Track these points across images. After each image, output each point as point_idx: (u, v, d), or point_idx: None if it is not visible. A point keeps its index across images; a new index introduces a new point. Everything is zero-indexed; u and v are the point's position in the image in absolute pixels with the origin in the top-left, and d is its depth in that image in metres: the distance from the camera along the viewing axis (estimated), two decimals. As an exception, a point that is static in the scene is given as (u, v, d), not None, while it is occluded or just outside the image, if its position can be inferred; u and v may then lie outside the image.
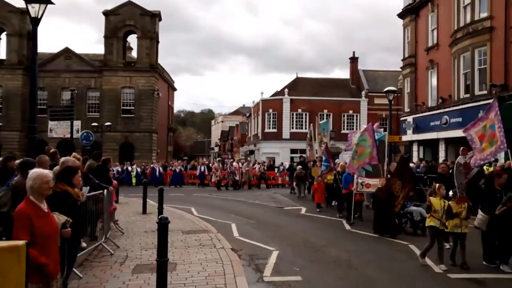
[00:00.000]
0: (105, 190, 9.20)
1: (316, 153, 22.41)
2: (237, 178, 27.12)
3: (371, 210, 14.05)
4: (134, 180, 29.62)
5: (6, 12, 41.99)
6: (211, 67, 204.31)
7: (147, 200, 15.17)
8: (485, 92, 20.88)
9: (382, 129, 20.10)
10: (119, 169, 29.50)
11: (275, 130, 44.56)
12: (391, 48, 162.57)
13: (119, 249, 9.14)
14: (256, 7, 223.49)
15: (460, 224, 8.34)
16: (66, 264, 5.53)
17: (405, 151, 30.65)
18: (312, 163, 21.70)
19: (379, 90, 39.01)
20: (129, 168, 30.48)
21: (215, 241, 10.07)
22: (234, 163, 28.20)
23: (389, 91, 21.75)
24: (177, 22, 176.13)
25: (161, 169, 30.01)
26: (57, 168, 6.73)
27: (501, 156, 16.00)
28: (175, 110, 74.82)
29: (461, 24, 22.65)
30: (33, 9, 9.10)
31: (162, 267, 5.77)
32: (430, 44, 26.59)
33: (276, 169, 31.38)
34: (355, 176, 13.79)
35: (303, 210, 16.89)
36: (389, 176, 12.94)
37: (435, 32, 26.21)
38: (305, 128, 43.57)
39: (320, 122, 24.31)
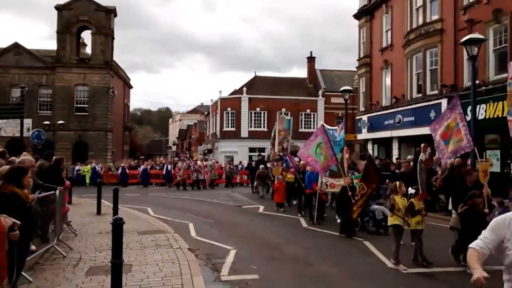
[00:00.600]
0: (57, 191, 8.89)
1: (277, 151, 22.23)
2: (201, 177, 26.92)
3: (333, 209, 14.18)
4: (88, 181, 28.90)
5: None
6: (168, 65, 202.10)
7: (102, 200, 14.81)
8: (436, 92, 21.65)
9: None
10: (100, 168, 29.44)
11: (233, 129, 44.56)
12: (347, 48, 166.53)
13: (72, 251, 8.86)
14: (214, 4, 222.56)
15: (422, 220, 8.44)
16: (14, 268, 5.30)
17: (360, 149, 31.40)
18: (274, 162, 21.54)
19: (335, 89, 39.69)
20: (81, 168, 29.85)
21: (171, 241, 9.94)
22: (199, 162, 27.93)
23: (345, 91, 22.14)
24: (133, 19, 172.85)
25: (126, 169, 29.62)
26: (5, 167, 6.43)
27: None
28: (131, 109, 73.43)
29: (414, 25, 23.38)
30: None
31: (116, 268, 5.65)
32: (384, 45, 27.29)
33: (234, 168, 31.36)
34: (320, 175, 13.58)
35: (261, 208, 16.96)
36: (355, 173, 12.93)
37: (389, 33, 26.92)
38: (264, 127, 43.92)
39: (286, 118, 24.24)
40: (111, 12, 43.25)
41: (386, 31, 27.24)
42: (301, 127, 43.64)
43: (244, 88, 45.46)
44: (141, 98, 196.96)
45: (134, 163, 33.20)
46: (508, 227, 3.02)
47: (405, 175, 11.39)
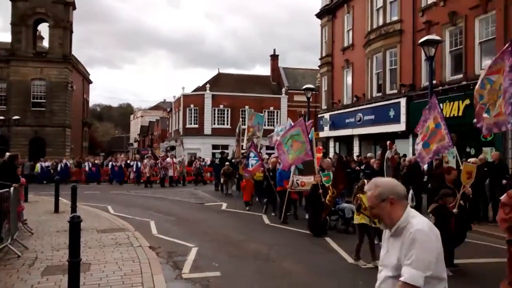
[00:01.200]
0: (11, 188, 8.59)
1: (242, 148, 22.07)
2: (170, 174, 26.55)
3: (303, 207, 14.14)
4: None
5: None
6: (130, 60, 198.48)
7: (60, 198, 14.44)
8: (395, 91, 22.19)
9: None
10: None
11: (196, 126, 44.23)
12: (310, 46, 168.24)
13: (28, 250, 8.58)
14: None
15: None
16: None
17: (322, 147, 31.76)
18: (239, 160, 21.43)
19: (298, 87, 40.06)
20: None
21: (132, 239, 9.79)
22: (168, 159, 27.54)
23: (307, 89, 22.35)
24: (93, 12, 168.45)
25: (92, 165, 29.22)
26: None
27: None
28: (91, 104, 71.84)
29: (374, 26, 23.86)
30: None
31: (74, 267, 5.54)
32: (345, 44, 27.71)
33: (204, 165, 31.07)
34: (291, 173, 13.29)
35: (224, 206, 16.93)
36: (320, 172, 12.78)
37: (350, 33, 27.35)
38: (227, 124, 43.83)
39: (256, 114, 24.16)
40: (69, 4, 42.04)
41: (348, 31, 27.66)
42: (265, 125, 43.69)
43: (208, 85, 45.21)
44: (101, 94, 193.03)
45: (109, 160, 32.57)
46: None
47: (376, 173, 11.45)
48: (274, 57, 50.86)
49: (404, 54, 21.56)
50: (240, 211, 15.57)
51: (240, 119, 23.65)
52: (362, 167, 17.63)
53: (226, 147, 38.09)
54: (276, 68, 50.39)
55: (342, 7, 27.98)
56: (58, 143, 40.92)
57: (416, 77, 20.74)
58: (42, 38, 46.96)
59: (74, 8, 43.24)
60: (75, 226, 5.67)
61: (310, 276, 7.61)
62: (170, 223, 12.95)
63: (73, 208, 11.66)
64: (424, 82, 19.54)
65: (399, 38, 21.94)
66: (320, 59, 31.38)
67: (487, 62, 9.50)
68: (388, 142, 13.95)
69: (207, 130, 43.89)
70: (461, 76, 17.92)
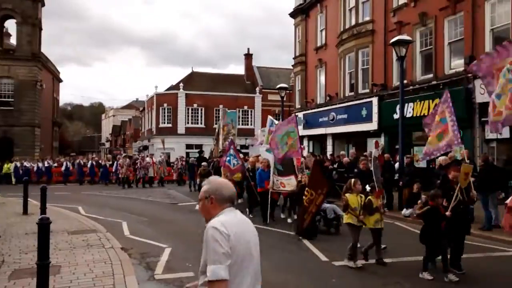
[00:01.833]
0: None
1: (220, 147, 21.64)
2: (150, 174, 26.18)
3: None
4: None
5: None
6: (101, 58, 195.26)
7: (30, 199, 14.08)
8: (367, 90, 22.49)
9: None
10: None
11: (170, 125, 43.82)
12: (284, 46, 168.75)
13: (-6, 254, 8.33)
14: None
15: (380, 218, 8.16)
16: None
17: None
18: (216, 160, 20.96)
19: (272, 86, 40.17)
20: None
21: (103, 240, 9.61)
22: (147, 158, 27.12)
23: (281, 88, 22.47)
24: (63, 9, 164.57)
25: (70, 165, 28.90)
26: None
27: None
28: (61, 103, 70.08)
29: (347, 26, 24.11)
30: None
31: (43, 270, 5.40)
32: (319, 44, 27.94)
33: (172, 165, 30.79)
34: (271, 174, 12.92)
35: (198, 206, 16.76)
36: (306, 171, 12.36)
37: (323, 33, 27.59)
38: (201, 123, 43.62)
39: (228, 111, 24.00)
40: (38, 1, 40.98)
41: (321, 31, 27.90)
42: (239, 124, 43.73)
43: (181, 84, 44.88)
44: (72, 93, 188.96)
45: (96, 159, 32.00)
46: None
47: (363, 173, 11.33)
48: (248, 56, 50.86)
49: (376, 54, 21.86)
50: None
51: (215, 118, 23.47)
52: (335, 166, 17.82)
53: (200, 146, 37.90)
54: (250, 67, 50.39)
55: (315, 7, 28.19)
56: (27, 143, 39.83)
57: (387, 77, 21.06)
58: (10, 35, 45.67)
59: (43, 5, 42.15)
60: (44, 227, 5.53)
61: (282, 273, 7.60)
62: (142, 223, 12.79)
63: (43, 210, 11.37)
64: (396, 82, 19.85)
65: (371, 38, 22.23)
66: (293, 58, 31.57)
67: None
68: (374, 141, 14.14)
69: (181, 129, 43.53)
70: (431, 75, 18.29)
